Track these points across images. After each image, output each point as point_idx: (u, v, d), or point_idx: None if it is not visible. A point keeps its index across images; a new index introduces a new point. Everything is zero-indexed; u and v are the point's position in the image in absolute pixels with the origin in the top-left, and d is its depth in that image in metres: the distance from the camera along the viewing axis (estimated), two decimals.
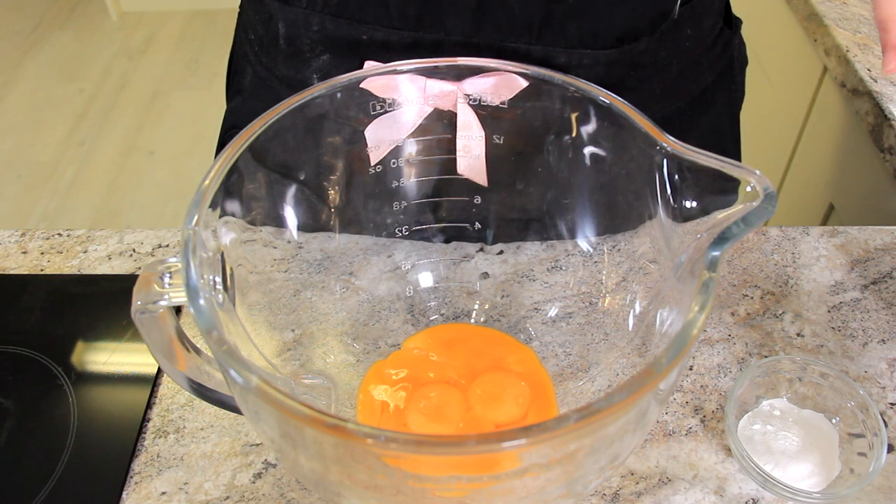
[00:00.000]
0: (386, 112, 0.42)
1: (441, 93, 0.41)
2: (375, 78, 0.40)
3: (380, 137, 0.43)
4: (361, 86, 0.40)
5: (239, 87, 0.63)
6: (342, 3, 0.48)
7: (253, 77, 0.59)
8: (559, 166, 0.45)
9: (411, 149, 0.44)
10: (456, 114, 0.42)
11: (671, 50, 0.53)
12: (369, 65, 0.43)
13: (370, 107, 0.41)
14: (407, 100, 0.41)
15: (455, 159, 0.44)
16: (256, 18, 0.56)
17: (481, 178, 0.45)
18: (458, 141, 0.43)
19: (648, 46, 0.51)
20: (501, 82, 0.41)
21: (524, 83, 0.40)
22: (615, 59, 0.50)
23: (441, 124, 0.43)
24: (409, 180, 0.45)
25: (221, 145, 0.66)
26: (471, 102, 0.42)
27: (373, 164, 0.43)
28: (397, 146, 0.43)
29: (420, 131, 0.43)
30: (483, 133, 0.43)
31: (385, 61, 0.40)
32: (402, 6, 0.47)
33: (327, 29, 0.50)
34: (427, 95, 0.41)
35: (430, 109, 0.42)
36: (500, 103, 0.41)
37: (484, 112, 0.42)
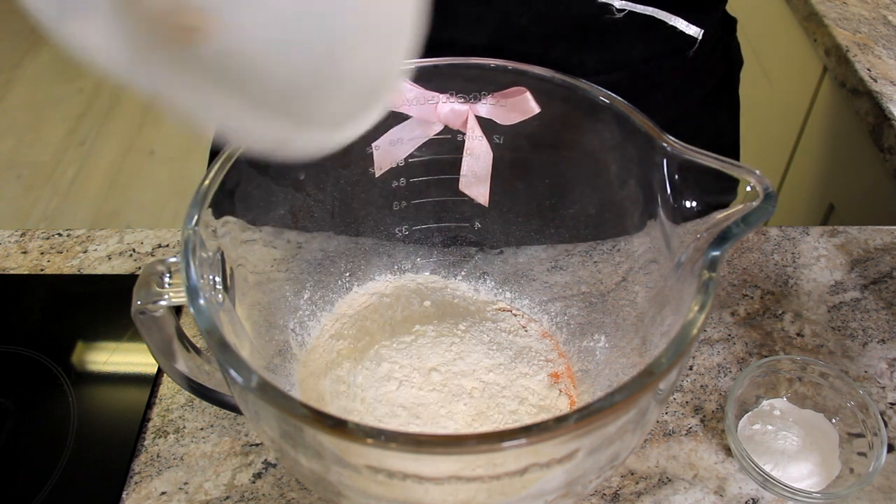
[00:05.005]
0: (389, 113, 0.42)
1: (452, 112, 0.41)
2: None
3: (383, 157, 0.43)
4: None
5: None
6: None
7: None
8: (559, 166, 0.45)
9: (414, 150, 0.44)
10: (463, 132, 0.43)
11: (675, 61, 0.53)
12: None
13: None
14: (417, 117, 0.41)
15: (456, 159, 0.44)
16: None
17: (482, 197, 0.45)
18: (463, 163, 0.43)
19: (653, 65, 0.51)
20: (514, 104, 0.41)
21: (537, 108, 0.40)
22: (620, 78, 0.50)
23: (446, 127, 0.43)
24: (410, 180, 0.45)
25: (215, 149, 0.66)
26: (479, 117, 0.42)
27: (377, 176, 0.43)
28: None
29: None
30: (491, 155, 0.43)
31: None
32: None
33: None
34: (438, 115, 0.41)
35: (439, 127, 0.42)
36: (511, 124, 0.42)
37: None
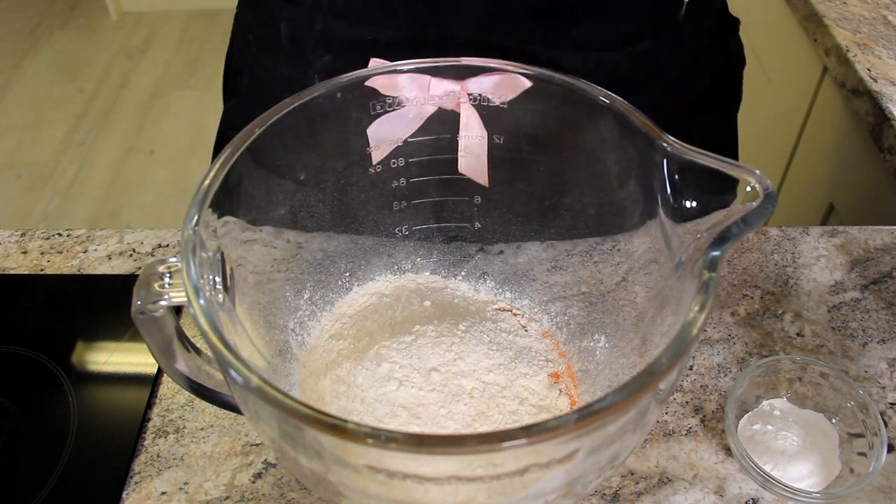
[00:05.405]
0: (387, 112, 0.42)
1: (444, 92, 0.41)
2: (379, 76, 0.40)
3: (381, 137, 0.43)
4: (366, 84, 0.40)
5: (236, 89, 0.63)
6: (347, 4, 0.48)
7: (250, 78, 0.60)
8: (559, 166, 0.45)
9: (412, 149, 0.44)
10: (458, 113, 0.42)
11: (672, 51, 0.53)
12: (373, 63, 0.43)
13: (370, 106, 0.41)
14: (410, 99, 0.41)
15: (456, 159, 0.44)
16: (256, 19, 0.56)
17: (482, 177, 0.45)
18: (459, 140, 0.43)
19: (650, 48, 0.51)
20: (505, 82, 0.40)
21: (528, 83, 0.40)
22: (618, 60, 0.50)
23: (442, 124, 0.43)
24: (410, 180, 0.45)
25: (218, 147, 0.67)
26: (473, 101, 0.42)
27: (374, 163, 0.43)
28: (398, 146, 0.43)
29: (421, 131, 0.43)
30: (485, 133, 0.43)
31: (389, 61, 0.40)
32: (408, 7, 0.47)
33: (331, 29, 0.50)
34: (430, 94, 0.41)
35: (433, 109, 0.42)
36: (502, 103, 0.41)
37: (485, 112, 0.42)
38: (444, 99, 0.41)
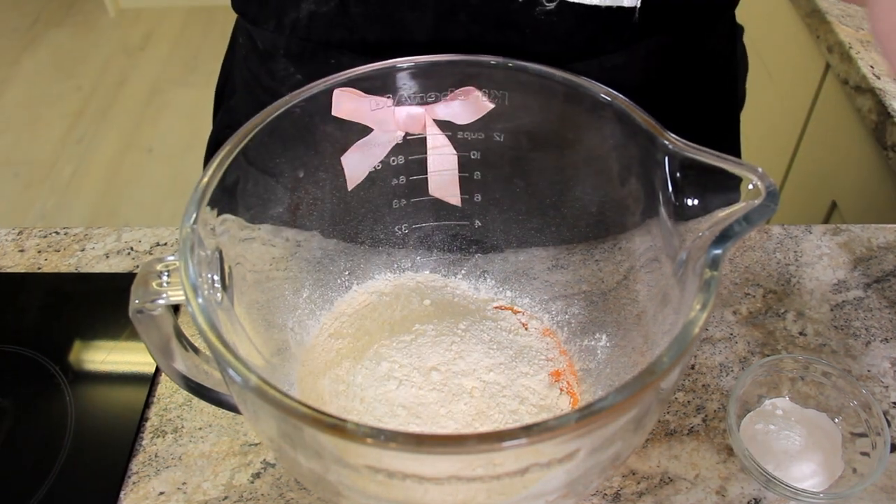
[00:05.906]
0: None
1: (409, 117, 0.41)
2: (345, 103, 0.40)
3: (355, 170, 0.43)
4: (333, 114, 0.40)
5: (233, 88, 0.63)
6: (309, 28, 0.48)
7: (241, 80, 0.60)
8: (560, 164, 0.44)
9: (412, 147, 0.43)
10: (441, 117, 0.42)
11: (671, 59, 0.52)
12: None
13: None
14: (378, 127, 0.41)
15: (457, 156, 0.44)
16: (242, 29, 0.57)
17: (454, 198, 0.45)
18: (428, 162, 0.43)
19: (649, 54, 0.50)
20: (469, 105, 0.41)
21: (490, 105, 0.40)
22: (617, 62, 0.49)
23: (446, 126, 0.43)
24: (409, 178, 0.45)
25: (214, 144, 0.66)
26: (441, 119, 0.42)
27: (350, 189, 0.43)
28: (397, 144, 0.43)
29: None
30: (455, 153, 0.43)
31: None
32: (366, 31, 0.47)
33: (293, 52, 0.51)
34: (397, 121, 0.41)
35: (401, 134, 0.42)
36: (468, 124, 0.42)
37: (487, 112, 0.42)
38: (409, 125, 0.41)
